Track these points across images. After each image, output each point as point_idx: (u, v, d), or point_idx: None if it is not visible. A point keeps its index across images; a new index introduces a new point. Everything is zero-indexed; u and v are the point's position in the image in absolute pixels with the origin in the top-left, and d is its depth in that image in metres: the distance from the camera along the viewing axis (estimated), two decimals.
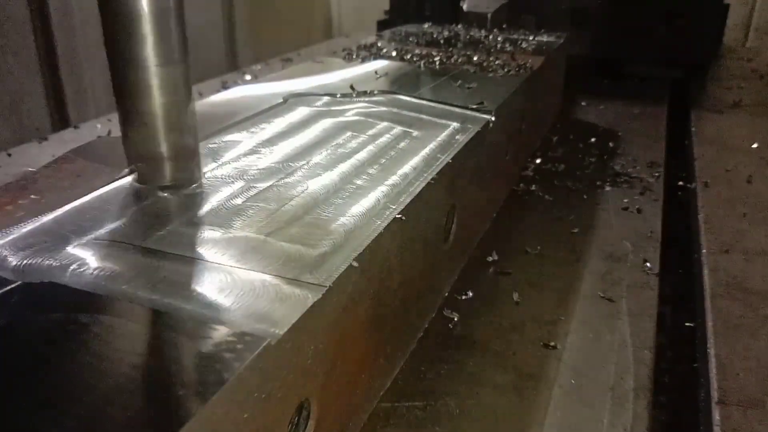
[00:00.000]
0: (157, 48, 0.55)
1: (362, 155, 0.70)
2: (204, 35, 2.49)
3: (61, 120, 1.85)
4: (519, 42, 1.35)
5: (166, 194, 0.58)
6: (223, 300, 0.43)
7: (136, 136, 0.58)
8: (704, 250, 0.89)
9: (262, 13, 2.81)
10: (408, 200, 0.60)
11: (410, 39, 1.38)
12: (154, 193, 0.58)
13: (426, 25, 1.59)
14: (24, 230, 0.51)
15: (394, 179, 0.64)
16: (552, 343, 0.69)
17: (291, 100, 0.90)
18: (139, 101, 0.57)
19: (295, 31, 2.92)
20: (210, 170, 0.64)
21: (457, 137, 0.78)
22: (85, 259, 0.47)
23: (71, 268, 0.46)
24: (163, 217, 0.54)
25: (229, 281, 0.45)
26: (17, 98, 1.74)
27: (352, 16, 3.17)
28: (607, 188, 1.12)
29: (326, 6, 3.25)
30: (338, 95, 0.92)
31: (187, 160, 0.61)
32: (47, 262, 0.47)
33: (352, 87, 0.94)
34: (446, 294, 0.78)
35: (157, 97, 0.57)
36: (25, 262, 0.47)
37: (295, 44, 2.05)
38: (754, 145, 1.31)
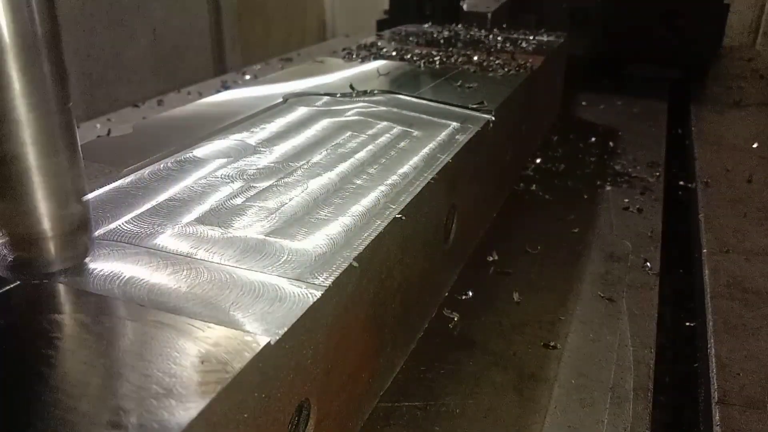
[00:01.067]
0: (25, 93, 0.41)
1: (362, 155, 0.70)
2: (190, 40, 2.43)
3: None
4: (519, 42, 1.35)
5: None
6: (222, 300, 0.43)
7: (4, 212, 0.44)
8: (704, 250, 0.89)
9: (251, 17, 2.76)
10: (408, 200, 0.60)
11: (410, 39, 1.38)
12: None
13: (426, 25, 1.59)
14: None
15: (394, 179, 0.64)
16: (552, 343, 0.69)
17: (291, 99, 0.90)
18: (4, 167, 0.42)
19: (287, 34, 2.88)
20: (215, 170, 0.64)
21: (457, 137, 0.78)
22: (85, 258, 0.47)
23: (70, 268, 0.46)
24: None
25: (229, 281, 0.45)
26: None
27: (347, 17, 3.16)
28: (608, 188, 1.12)
29: (320, 8, 3.24)
30: (338, 95, 0.92)
31: (76, 235, 0.46)
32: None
33: (351, 87, 0.94)
34: (446, 294, 0.78)
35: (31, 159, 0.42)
36: (24, 261, 0.47)
37: (288, 48, 2.02)
38: (755, 145, 1.31)
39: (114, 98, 1.39)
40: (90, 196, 0.58)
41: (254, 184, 0.61)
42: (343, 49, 1.24)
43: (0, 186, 0.43)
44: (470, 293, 0.78)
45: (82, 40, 1.91)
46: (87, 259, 0.47)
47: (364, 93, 0.93)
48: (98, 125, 1.26)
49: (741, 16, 2.04)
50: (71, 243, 0.46)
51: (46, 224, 0.44)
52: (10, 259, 0.46)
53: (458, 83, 1.02)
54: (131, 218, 0.54)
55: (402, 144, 0.74)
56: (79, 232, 0.47)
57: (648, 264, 0.86)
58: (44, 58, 0.41)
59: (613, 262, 0.87)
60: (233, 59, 2.59)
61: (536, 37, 1.42)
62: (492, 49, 1.27)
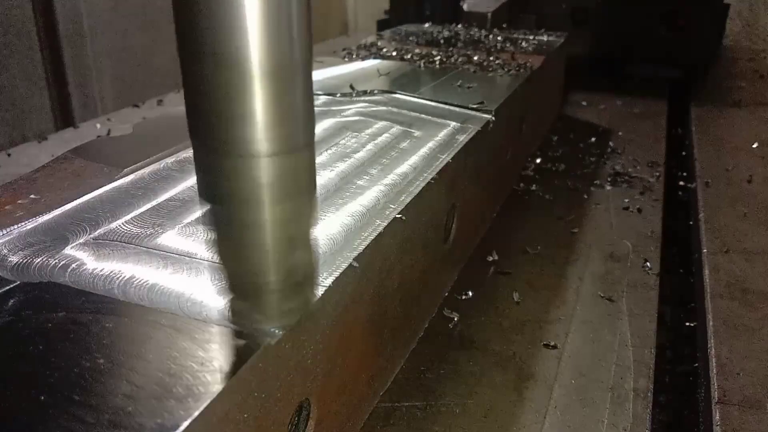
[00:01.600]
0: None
1: (362, 155, 0.70)
2: None
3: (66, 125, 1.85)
4: (519, 42, 1.35)
5: None
6: (222, 299, 0.43)
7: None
8: (705, 250, 0.89)
9: None
10: (408, 200, 0.60)
11: (410, 38, 1.38)
12: None
13: (426, 25, 1.59)
14: (23, 230, 0.51)
15: (393, 179, 0.64)
16: (552, 343, 0.69)
17: None
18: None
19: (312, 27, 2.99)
20: None
21: (457, 137, 0.78)
22: (85, 258, 0.47)
23: (71, 267, 0.46)
24: None
25: (229, 281, 0.45)
26: (23, 111, 1.72)
27: (368, 12, 3.19)
28: (608, 188, 1.12)
29: (342, 3, 3.29)
30: (338, 95, 0.92)
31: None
32: (47, 261, 0.47)
33: (351, 87, 0.94)
34: (446, 294, 0.78)
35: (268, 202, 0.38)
36: (24, 261, 0.47)
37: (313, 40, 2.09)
38: (755, 145, 1.31)
39: (143, 100, 1.43)
40: (90, 195, 0.58)
41: None
42: (344, 49, 1.24)
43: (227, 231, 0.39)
44: (470, 293, 0.78)
45: (116, 42, 1.94)
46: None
47: (364, 93, 0.93)
48: (98, 125, 1.27)
49: (741, 15, 2.05)
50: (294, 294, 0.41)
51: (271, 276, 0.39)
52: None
53: (458, 83, 1.02)
54: (131, 218, 0.54)
55: (402, 144, 0.74)
56: (305, 282, 0.42)
57: (648, 264, 0.86)
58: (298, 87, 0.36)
59: (613, 262, 0.87)
60: None
61: (536, 37, 1.42)
62: (492, 49, 1.27)
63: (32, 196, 0.59)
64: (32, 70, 1.74)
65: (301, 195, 0.38)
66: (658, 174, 1.18)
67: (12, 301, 0.43)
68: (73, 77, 1.84)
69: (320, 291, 0.45)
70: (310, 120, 0.37)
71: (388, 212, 0.57)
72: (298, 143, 0.36)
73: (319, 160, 0.68)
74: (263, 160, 0.35)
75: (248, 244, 0.39)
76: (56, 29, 1.77)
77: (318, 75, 1.04)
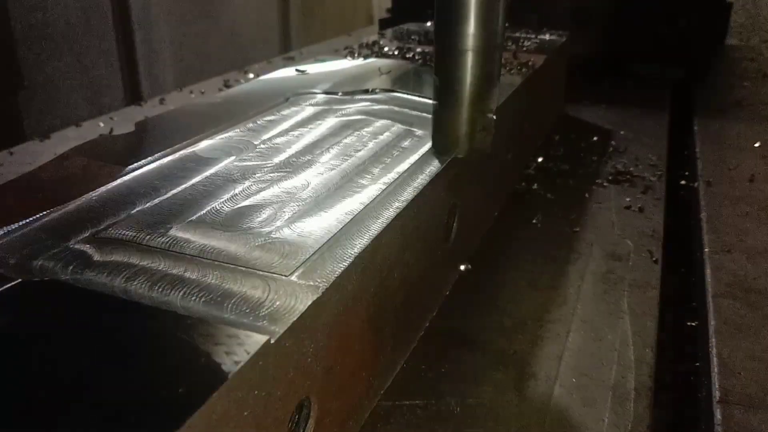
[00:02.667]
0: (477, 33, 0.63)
1: (363, 153, 0.70)
2: (262, 18, 2.80)
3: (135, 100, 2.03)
4: (521, 40, 1.35)
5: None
6: (223, 298, 0.43)
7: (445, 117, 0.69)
8: (706, 249, 0.89)
9: (312, 5, 3.12)
10: (409, 199, 0.60)
11: (412, 37, 1.38)
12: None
13: (428, 24, 1.59)
14: (26, 228, 0.51)
15: (395, 177, 0.64)
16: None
17: (293, 98, 0.90)
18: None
19: (340, 19, 3.11)
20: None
21: None
22: (87, 257, 0.47)
23: (72, 266, 0.46)
24: None
25: (229, 279, 0.45)
26: (98, 91, 1.92)
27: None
28: (609, 187, 1.11)
29: (368, 2, 3.40)
30: (339, 93, 0.92)
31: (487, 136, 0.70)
32: (48, 260, 0.47)
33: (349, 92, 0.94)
34: (447, 293, 0.78)
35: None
36: (25, 260, 0.47)
37: (340, 31, 2.22)
38: (757, 144, 1.30)
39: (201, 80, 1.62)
40: (92, 193, 0.58)
41: (256, 183, 0.61)
42: (345, 48, 1.24)
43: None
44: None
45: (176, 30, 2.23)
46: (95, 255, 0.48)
47: (366, 92, 0.93)
48: (101, 123, 1.27)
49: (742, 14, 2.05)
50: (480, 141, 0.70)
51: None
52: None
53: None
54: (133, 216, 0.54)
55: (403, 143, 0.74)
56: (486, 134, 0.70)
57: (650, 263, 0.86)
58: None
59: (615, 261, 0.87)
60: (297, 44, 2.90)
61: (538, 36, 1.42)
62: None
63: (34, 194, 0.59)
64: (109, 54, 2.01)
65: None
66: (660, 173, 1.18)
67: (13, 299, 0.43)
68: (142, 60, 2.13)
69: (321, 289, 0.45)
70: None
71: (389, 211, 0.57)
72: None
73: (321, 158, 0.69)
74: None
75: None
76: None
77: (319, 74, 1.04)
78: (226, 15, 2.53)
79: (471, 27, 0.63)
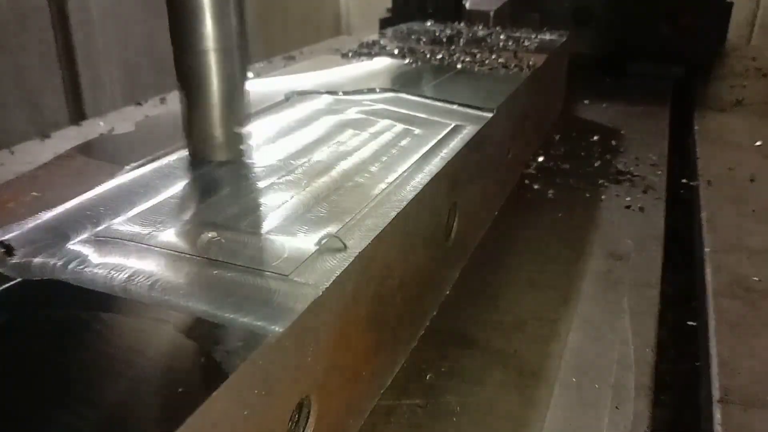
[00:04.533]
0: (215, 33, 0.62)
1: (363, 153, 0.70)
2: None
3: (77, 113, 1.91)
4: (521, 40, 1.35)
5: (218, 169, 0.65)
6: (223, 297, 0.43)
7: (196, 118, 0.66)
8: (707, 249, 0.89)
9: (270, 10, 2.90)
10: (409, 198, 0.60)
11: (413, 37, 1.38)
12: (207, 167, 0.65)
13: (428, 23, 1.59)
14: (26, 227, 0.51)
15: (395, 177, 0.64)
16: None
17: (293, 97, 0.90)
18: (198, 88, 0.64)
19: (303, 28, 2.99)
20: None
21: (458, 135, 0.78)
22: (86, 256, 0.47)
23: (72, 265, 0.46)
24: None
25: (230, 278, 0.45)
26: (36, 93, 1.78)
27: (360, 12, 3.19)
28: (610, 186, 1.11)
29: (335, 3, 3.29)
30: (340, 93, 0.92)
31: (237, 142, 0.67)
32: (48, 258, 0.47)
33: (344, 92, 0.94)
34: (447, 292, 0.78)
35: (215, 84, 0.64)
36: (26, 259, 0.47)
37: (304, 41, 2.12)
38: (758, 143, 1.30)
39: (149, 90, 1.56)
40: (92, 193, 0.58)
41: (256, 182, 0.61)
42: (345, 50, 1.24)
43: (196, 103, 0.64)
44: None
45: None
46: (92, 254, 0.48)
47: (366, 91, 0.93)
48: (101, 123, 1.27)
49: (736, 9, 2.04)
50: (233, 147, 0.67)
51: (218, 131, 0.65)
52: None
53: (460, 81, 1.02)
54: (133, 215, 0.54)
55: (403, 142, 0.74)
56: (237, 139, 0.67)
57: (649, 262, 0.86)
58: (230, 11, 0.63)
59: (615, 261, 0.87)
60: (256, 52, 2.73)
61: (539, 36, 1.42)
62: (494, 48, 1.27)
63: (34, 193, 0.59)
64: (47, 56, 1.84)
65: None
66: (660, 172, 1.18)
67: (13, 298, 0.43)
68: (83, 62, 1.96)
69: (321, 289, 0.45)
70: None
71: (389, 210, 0.57)
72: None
73: (320, 157, 0.69)
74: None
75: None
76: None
77: (320, 73, 1.04)
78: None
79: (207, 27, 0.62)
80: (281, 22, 2.95)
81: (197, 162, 0.66)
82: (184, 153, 0.68)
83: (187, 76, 0.64)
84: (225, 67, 0.63)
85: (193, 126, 0.66)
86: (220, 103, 0.64)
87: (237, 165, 0.66)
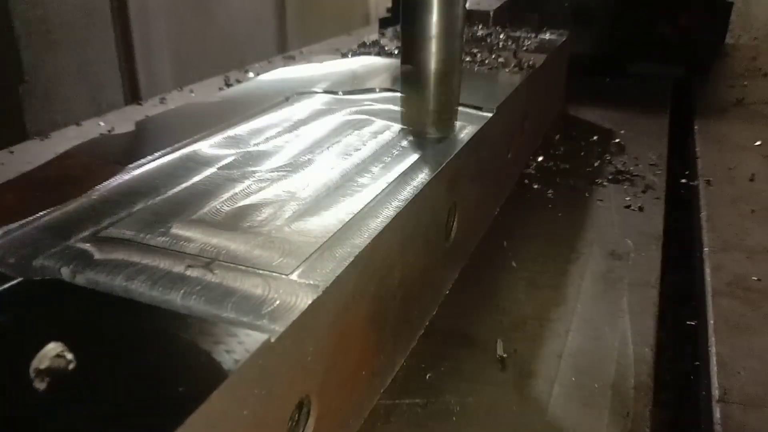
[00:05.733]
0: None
1: (363, 153, 0.70)
2: (259, 19, 2.80)
3: (134, 97, 2.02)
4: (521, 40, 1.35)
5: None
6: (223, 297, 0.43)
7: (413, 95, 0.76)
8: (706, 248, 0.89)
9: (309, 5, 3.11)
10: (409, 198, 0.60)
11: None
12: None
13: None
14: (26, 227, 0.52)
15: (395, 177, 0.64)
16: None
17: (293, 97, 0.90)
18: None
19: (337, 20, 3.12)
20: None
21: (458, 135, 0.78)
22: (87, 255, 0.47)
23: (72, 264, 0.46)
24: None
25: (230, 278, 0.45)
26: (98, 87, 1.92)
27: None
28: (609, 186, 1.11)
29: (365, 2, 3.40)
30: (340, 93, 0.92)
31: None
32: (49, 258, 0.47)
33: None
34: (447, 292, 0.78)
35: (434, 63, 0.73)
36: (26, 258, 0.47)
37: (336, 31, 2.20)
38: (757, 143, 1.30)
39: (199, 77, 1.63)
40: (92, 193, 0.58)
41: (256, 182, 0.62)
42: (340, 51, 1.24)
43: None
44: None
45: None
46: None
47: (366, 91, 0.93)
48: (101, 123, 1.27)
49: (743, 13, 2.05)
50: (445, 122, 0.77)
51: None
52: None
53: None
54: (134, 215, 0.54)
55: (403, 142, 0.74)
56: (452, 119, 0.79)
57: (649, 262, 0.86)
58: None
59: (615, 261, 0.87)
60: (293, 44, 2.85)
61: (538, 36, 1.42)
62: (494, 47, 1.27)
63: (35, 193, 0.59)
64: (107, 50, 1.98)
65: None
66: (660, 172, 1.18)
67: (14, 298, 0.43)
68: (140, 56, 2.09)
69: (321, 288, 0.45)
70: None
71: (389, 210, 0.57)
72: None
73: (320, 157, 0.69)
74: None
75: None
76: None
77: (320, 73, 1.04)
78: (222, 14, 2.51)
79: (434, 15, 0.70)
80: (319, 13, 3.15)
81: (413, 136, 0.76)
82: (183, 151, 0.68)
83: (414, 59, 0.73)
84: (446, 51, 0.72)
85: (413, 104, 0.76)
86: (439, 83, 0.73)
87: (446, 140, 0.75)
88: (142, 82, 2.09)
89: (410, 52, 0.74)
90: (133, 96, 2.00)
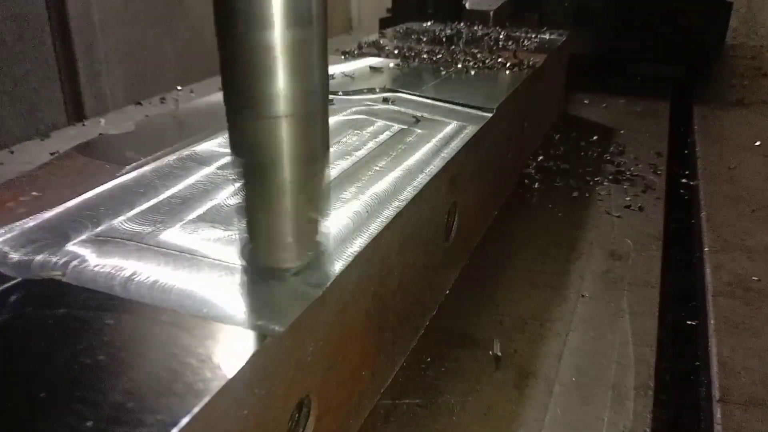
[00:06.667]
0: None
1: (363, 153, 0.70)
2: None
3: (77, 117, 1.85)
4: (521, 40, 1.35)
5: None
6: (223, 297, 0.43)
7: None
8: (706, 248, 0.89)
9: None
10: (409, 198, 0.60)
11: (412, 36, 1.38)
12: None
13: (428, 23, 1.59)
14: (26, 227, 0.51)
15: (394, 177, 0.64)
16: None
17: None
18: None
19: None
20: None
21: (458, 135, 0.78)
22: (86, 255, 0.47)
23: (72, 264, 0.46)
24: None
25: (230, 278, 0.45)
26: (34, 104, 1.74)
27: (372, 12, 3.20)
28: (609, 186, 1.11)
29: (346, 4, 3.31)
30: (339, 93, 0.92)
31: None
32: (48, 258, 0.47)
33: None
34: (447, 292, 0.78)
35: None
36: (26, 258, 0.47)
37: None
38: (757, 143, 1.30)
39: (156, 92, 1.51)
40: (92, 192, 0.58)
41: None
42: (341, 51, 1.24)
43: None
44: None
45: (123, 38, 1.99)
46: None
47: (366, 91, 0.93)
48: (102, 121, 1.27)
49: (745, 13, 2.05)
50: (308, 246, 0.48)
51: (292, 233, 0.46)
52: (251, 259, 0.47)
53: (460, 81, 1.02)
54: (133, 215, 0.54)
55: (403, 142, 0.74)
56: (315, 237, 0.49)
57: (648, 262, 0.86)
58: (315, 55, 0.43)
59: (615, 260, 0.87)
60: None
61: (538, 35, 1.42)
62: (494, 47, 1.27)
63: (34, 193, 0.60)
64: (45, 65, 1.75)
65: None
66: (660, 172, 1.18)
67: (13, 297, 0.43)
68: (84, 72, 1.87)
69: (321, 288, 0.45)
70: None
71: (388, 210, 0.57)
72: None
73: None
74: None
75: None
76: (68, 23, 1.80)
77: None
78: (181, 24, 2.23)
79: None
80: None
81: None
82: (183, 151, 0.68)
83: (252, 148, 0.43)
84: (302, 137, 0.43)
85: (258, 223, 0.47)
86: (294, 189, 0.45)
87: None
88: (86, 99, 1.87)
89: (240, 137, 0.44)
90: (77, 115, 1.79)
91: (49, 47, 1.74)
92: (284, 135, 0.42)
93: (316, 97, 0.44)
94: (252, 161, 0.43)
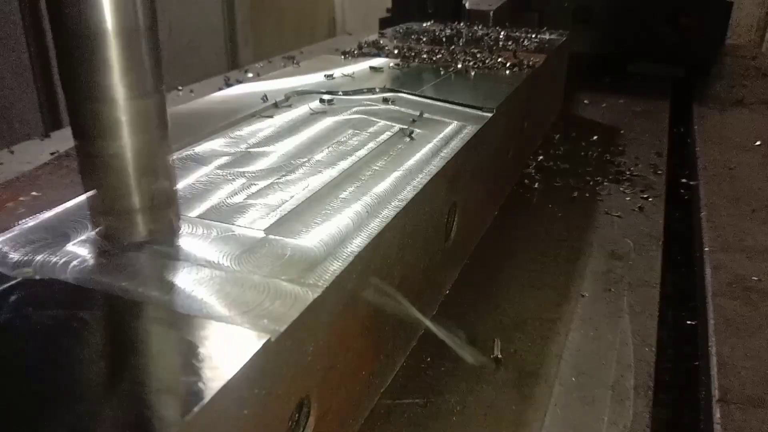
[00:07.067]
0: (125, 78, 0.44)
1: (363, 153, 0.70)
2: (204, 36, 2.48)
3: (54, 125, 1.80)
4: (521, 40, 1.35)
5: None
6: (223, 297, 0.43)
7: (102, 185, 0.48)
8: (706, 248, 0.89)
9: (264, 12, 2.81)
10: (409, 198, 0.60)
11: (412, 37, 1.38)
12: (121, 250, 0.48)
13: (428, 23, 1.59)
14: (25, 227, 0.51)
15: (395, 177, 0.64)
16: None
17: (293, 97, 0.90)
18: (104, 142, 0.46)
19: (298, 30, 2.92)
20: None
21: (458, 135, 0.78)
22: (86, 255, 0.47)
23: (72, 264, 0.46)
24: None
25: (230, 279, 0.45)
26: (8, 103, 1.70)
27: (356, 14, 3.16)
28: (609, 186, 1.11)
29: (330, 5, 3.25)
30: (340, 93, 0.92)
31: (163, 208, 0.50)
32: (48, 258, 0.47)
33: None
34: (447, 292, 0.78)
35: (126, 137, 0.46)
36: (25, 258, 0.47)
37: (298, 44, 2.07)
38: (757, 143, 1.30)
39: None
40: (91, 192, 0.58)
41: (255, 182, 0.62)
42: (341, 51, 1.24)
43: (95, 162, 0.47)
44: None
45: None
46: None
47: (366, 91, 0.93)
48: None
49: (747, 14, 2.05)
50: (157, 217, 0.49)
51: (135, 198, 0.48)
52: (100, 229, 0.50)
53: (460, 81, 1.02)
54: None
55: (403, 142, 0.74)
56: (164, 207, 0.50)
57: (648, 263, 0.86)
58: (143, 44, 0.45)
59: (615, 260, 0.87)
60: (246, 55, 2.61)
61: (538, 36, 1.42)
62: (494, 47, 1.27)
63: (34, 193, 0.59)
64: (19, 63, 1.72)
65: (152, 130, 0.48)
66: (660, 172, 1.18)
67: (14, 297, 0.43)
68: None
69: (321, 288, 0.45)
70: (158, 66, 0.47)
71: (388, 210, 0.57)
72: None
73: (320, 157, 0.69)
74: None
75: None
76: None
77: (320, 73, 1.04)
78: (163, 27, 2.24)
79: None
80: (275, 24, 2.87)
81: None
82: (183, 151, 0.68)
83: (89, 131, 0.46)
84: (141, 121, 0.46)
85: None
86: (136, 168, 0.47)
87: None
88: (63, 108, 1.83)
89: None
90: (55, 125, 1.74)
91: (24, 53, 1.70)
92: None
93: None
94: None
